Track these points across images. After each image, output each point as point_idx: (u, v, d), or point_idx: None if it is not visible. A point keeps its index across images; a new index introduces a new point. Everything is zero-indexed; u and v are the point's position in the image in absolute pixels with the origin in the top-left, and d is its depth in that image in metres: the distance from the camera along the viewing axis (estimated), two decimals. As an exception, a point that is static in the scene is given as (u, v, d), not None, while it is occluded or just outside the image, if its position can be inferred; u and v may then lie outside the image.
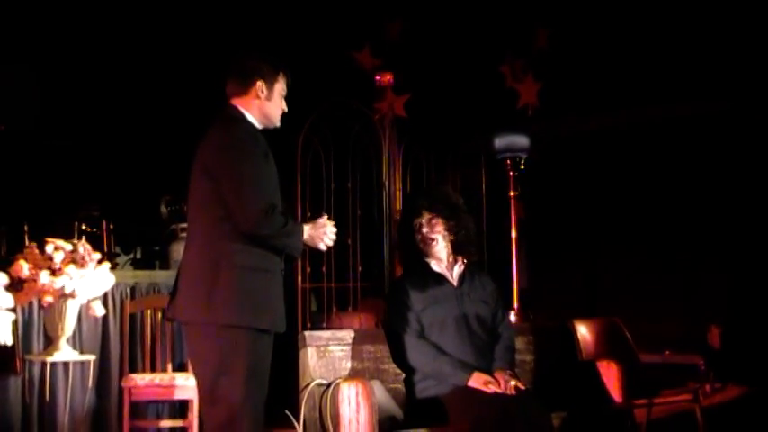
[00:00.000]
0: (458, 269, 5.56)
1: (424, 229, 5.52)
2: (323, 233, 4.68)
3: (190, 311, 4.58)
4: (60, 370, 7.55)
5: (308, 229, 4.64)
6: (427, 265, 5.54)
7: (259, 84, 4.73)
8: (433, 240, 5.52)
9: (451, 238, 5.54)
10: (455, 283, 5.51)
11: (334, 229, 4.75)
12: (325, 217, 4.76)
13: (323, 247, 4.74)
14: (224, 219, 4.47)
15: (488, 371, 5.26)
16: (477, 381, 5.17)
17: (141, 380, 7.26)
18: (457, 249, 5.56)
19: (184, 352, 7.44)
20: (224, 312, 4.45)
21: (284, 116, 4.88)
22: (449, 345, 5.32)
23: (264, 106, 4.75)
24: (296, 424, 5.10)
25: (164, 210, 9.42)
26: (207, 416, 4.61)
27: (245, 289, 4.49)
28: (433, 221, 5.53)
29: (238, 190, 4.43)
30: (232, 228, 4.45)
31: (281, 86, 4.82)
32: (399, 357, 5.39)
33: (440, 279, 5.49)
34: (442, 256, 5.54)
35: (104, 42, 10.56)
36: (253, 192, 4.44)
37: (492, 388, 5.13)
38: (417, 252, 5.56)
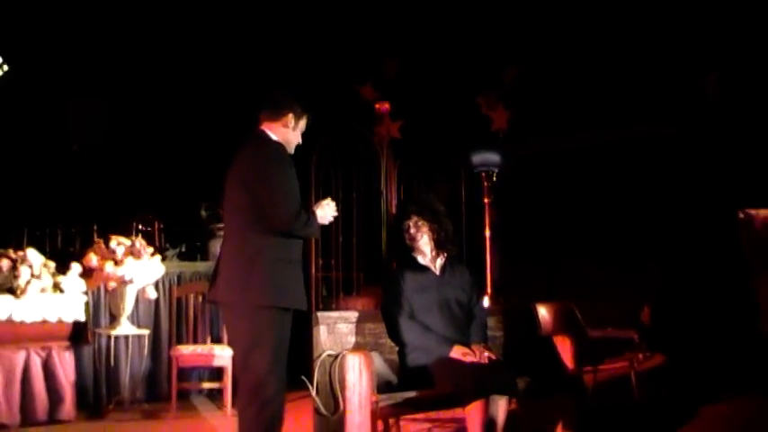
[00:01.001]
0: (440, 262, 5.53)
1: (412, 230, 5.49)
2: (327, 211, 4.75)
3: (229, 295, 4.58)
4: (122, 341, 7.60)
5: (318, 213, 4.70)
6: (415, 259, 5.51)
7: (290, 116, 4.75)
8: (418, 239, 5.51)
9: (434, 237, 5.52)
10: (438, 273, 5.49)
11: (333, 204, 4.81)
12: (328, 199, 4.85)
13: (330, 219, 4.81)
14: (257, 221, 4.49)
15: (466, 344, 5.24)
16: (457, 352, 5.15)
17: (186, 350, 7.26)
18: (439, 246, 5.53)
19: (221, 327, 7.43)
20: (258, 295, 4.49)
21: (298, 145, 4.89)
22: (434, 323, 5.29)
23: (288, 134, 4.76)
24: (310, 387, 5.09)
25: (203, 213, 9.46)
26: (241, 380, 4.61)
27: (273, 276, 4.52)
28: (419, 224, 5.50)
29: (273, 198, 4.47)
30: (263, 227, 4.48)
31: (303, 123, 4.85)
32: (394, 334, 5.37)
33: (425, 270, 5.47)
34: (426, 252, 5.51)
35: (157, 82, 10.62)
36: (284, 199, 4.49)
37: (469, 358, 5.11)
38: (407, 248, 5.55)
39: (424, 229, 5.51)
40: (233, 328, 4.68)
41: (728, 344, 7.62)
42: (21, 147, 10.50)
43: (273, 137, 4.72)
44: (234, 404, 7.03)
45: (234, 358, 4.75)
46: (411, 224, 5.52)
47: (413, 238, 5.51)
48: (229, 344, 4.73)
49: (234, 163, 4.68)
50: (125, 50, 10.44)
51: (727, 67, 8.91)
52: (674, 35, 9.03)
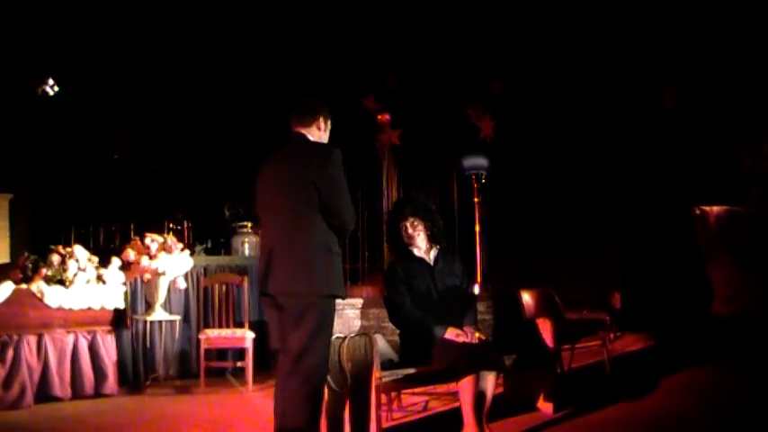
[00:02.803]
0: (433, 253, 5.45)
1: (410, 230, 5.42)
2: None
3: (297, 286, 4.28)
4: (157, 326, 7.54)
5: None
6: (411, 252, 5.43)
7: (321, 119, 4.56)
8: (415, 236, 5.42)
9: (428, 232, 5.44)
10: (432, 264, 5.41)
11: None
12: None
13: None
14: (323, 217, 4.29)
15: (459, 326, 5.16)
16: (450, 333, 5.06)
17: (212, 333, 7.18)
18: (432, 240, 5.46)
19: (243, 313, 7.39)
20: (330, 286, 4.31)
21: None
22: (430, 308, 5.22)
23: (321, 136, 4.57)
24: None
25: (226, 213, 9.41)
26: (297, 363, 4.23)
27: (333, 269, 4.35)
28: (415, 223, 5.43)
29: (344, 200, 4.34)
30: (326, 226, 4.30)
31: (329, 126, 4.66)
32: (396, 318, 5.28)
33: (421, 261, 5.39)
34: (421, 246, 5.43)
35: (186, 102, 10.68)
36: (348, 202, 4.36)
37: (461, 338, 5.02)
38: (403, 243, 5.46)
39: (420, 227, 5.44)
40: (296, 316, 4.27)
41: (686, 323, 7.57)
42: (69, 156, 10.50)
43: (312, 140, 4.53)
44: (255, 380, 7.02)
45: (287, 342, 4.29)
46: (408, 224, 5.44)
47: (411, 236, 5.41)
48: (286, 331, 4.33)
49: (284, 164, 4.44)
50: (158, 72, 10.45)
51: (683, 82, 8.88)
52: (637, 53, 9.00)
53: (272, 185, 4.46)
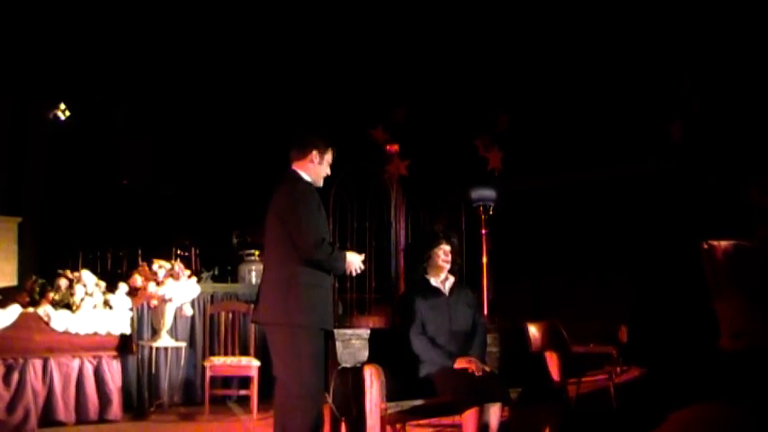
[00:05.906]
0: (449, 284, 5.46)
1: (444, 255, 5.43)
2: (355, 260, 4.74)
3: (269, 316, 4.59)
4: (162, 352, 7.56)
5: (349, 256, 4.69)
6: (427, 280, 5.43)
7: (314, 152, 4.76)
8: (445, 264, 5.43)
9: (452, 265, 5.47)
10: (447, 294, 5.41)
11: (361, 260, 4.81)
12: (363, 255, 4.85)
13: (354, 270, 4.80)
14: (291, 251, 4.51)
15: (466, 356, 5.16)
16: (459, 363, 5.05)
17: (218, 361, 7.19)
18: (451, 272, 5.49)
19: (249, 341, 7.39)
20: (292, 316, 4.49)
21: (327, 176, 4.90)
22: (441, 337, 5.22)
23: (315, 168, 4.77)
24: (327, 396, 4.98)
25: (234, 240, 9.44)
26: (283, 390, 4.53)
27: (305, 300, 4.51)
28: (450, 251, 5.45)
29: (299, 228, 4.49)
30: (296, 257, 4.50)
31: (328, 156, 4.84)
32: (405, 346, 5.27)
33: (436, 291, 5.39)
34: (441, 275, 5.44)
35: (197, 124, 10.70)
36: (308, 229, 4.50)
37: (468, 367, 5.02)
38: (422, 270, 5.46)
39: (451, 257, 5.45)
40: (275, 345, 4.63)
41: (693, 358, 7.53)
42: (78, 181, 10.53)
43: (304, 175, 4.73)
44: (259, 409, 7.01)
45: (276, 371, 4.62)
46: (449, 250, 5.44)
47: (441, 262, 5.41)
48: (273, 358, 4.63)
49: (272, 201, 4.70)
50: (168, 99, 10.52)
51: (691, 115, 8.90)
52: (645, 86, 9.03)
53: (266, 222, 4.72)
